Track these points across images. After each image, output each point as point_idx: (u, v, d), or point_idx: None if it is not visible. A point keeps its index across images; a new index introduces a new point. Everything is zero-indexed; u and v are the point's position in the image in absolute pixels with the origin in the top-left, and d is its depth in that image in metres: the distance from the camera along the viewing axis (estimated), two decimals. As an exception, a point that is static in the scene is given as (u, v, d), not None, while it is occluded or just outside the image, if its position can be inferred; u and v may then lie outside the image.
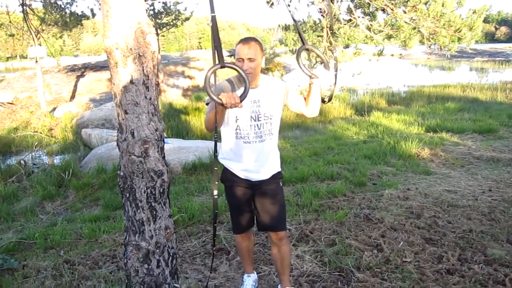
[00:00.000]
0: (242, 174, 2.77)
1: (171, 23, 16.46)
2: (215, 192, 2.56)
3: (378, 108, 12.52)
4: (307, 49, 2.71)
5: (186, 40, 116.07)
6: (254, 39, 2.63)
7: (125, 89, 2.27)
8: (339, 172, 6.03)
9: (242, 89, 2.55)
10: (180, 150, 7.06)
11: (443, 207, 4.61)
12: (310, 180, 5.75)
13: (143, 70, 2.27)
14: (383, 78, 22.47)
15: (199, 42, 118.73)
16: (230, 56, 28.45)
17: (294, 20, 2.78)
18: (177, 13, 16.19)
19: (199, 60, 24.18)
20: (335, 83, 2.74)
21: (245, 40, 2.60)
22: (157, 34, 16.38)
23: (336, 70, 2.67)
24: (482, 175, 5.76)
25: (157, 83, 2.40)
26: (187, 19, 16.84)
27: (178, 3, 16.23)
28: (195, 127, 10.88)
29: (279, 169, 2.86)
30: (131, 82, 2.26)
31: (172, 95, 17.58)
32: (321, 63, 2.53)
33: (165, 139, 7.40)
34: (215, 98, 2.31)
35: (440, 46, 4.00)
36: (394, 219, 4.29)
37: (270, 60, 29.60)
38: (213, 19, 2.30)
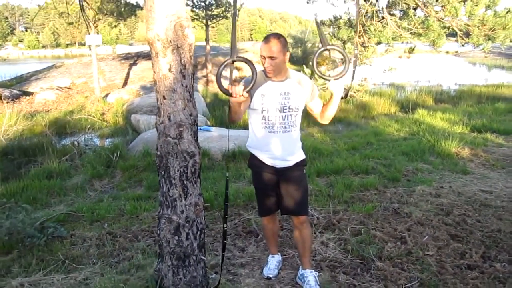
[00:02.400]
0: (268, 161, 2.97)
1: (221, 14, 16.78)
2: (227, 174, 2.94)
3: (424, 106, 12.33)
4: (327, 50, 2.76)
5: (238, 32, 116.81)
6: (276, 37, 2.73)
7: (164, 77, 2.51)
8: (375, 166, 6.10)
9: (266, 82, 2.78)
10: (222, 138, 7.34)
11: (474, 206, 4.61)
12: (344, 173, 5.85)
13: (180, 60, 2.51)
14: (434, 76, 21.85)
15: (251, 34, 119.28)
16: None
17: (317, 23, 2.90)
18: (227, 5, 16.49)
19: (247, 51, 24.50)
20: (352, 79, 2.85)
21: (267, 39, 2.73)
22: (207, 26, 16.79)
23: (354, 67, 2.78)
24: (522, 177, 5.67)
25: (193, 72, 2.64)
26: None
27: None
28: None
29: (303, 157, 3.03)
30: (170, 70, 2.50)
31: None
32: (343, 62, 2.63)
33: (208, 128, 7.72)
34: (223, 89, 2.54)
35: (475, 45, 4.00)
36: (422, 215, 4.35)
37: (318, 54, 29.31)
38: (234, 18, 2.53)
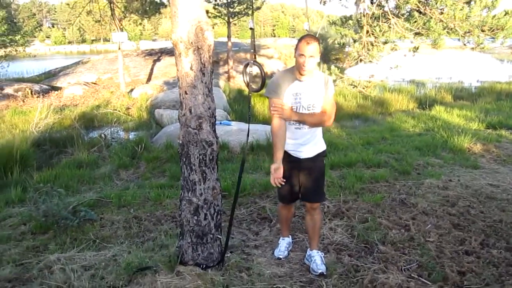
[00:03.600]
0: (293, 153, 3.26)
1: (243, 12, 17.08)
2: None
3: (442, 102, 12.42)
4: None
5: (260, 27, 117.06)
6: (315, 39, 3.04)
7: (186, 74, 2.84)
8: (387, 160, 6.32)
9: (297, 80, 3.08)
10: (240, 132, 7.66)
11: (479, 199, 4.82)
12: (357, 166, 6.10)
13: (200, 60, 2.83)
14: (457, 72, 21.62)
15: (273, 29, 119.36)
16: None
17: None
18: (249, 2, 16.77)
19: (269, 48, 24.71)
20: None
21: (308, 40, 3.00)
22: (229, 23, 17.12)
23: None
24: (531, 173, 5.82)
25: (212, 70, 2.96)
26: (258, 8, 17.40)
27: (252, -9, 16.82)
28: (258, 112, 11.46)
29: (324, 148, 3.35)
30: (191, 69, 2.83)
31: (241, 81, 18.23)
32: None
33: (228, 122, 8.11)
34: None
35: (476, 44, 4.20)
36: (428, 205, 4.59)
37: (340, 50, 29.46)
38: (252, 32, 2.90)
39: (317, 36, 4.08)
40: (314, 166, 3.29)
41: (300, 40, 3.04)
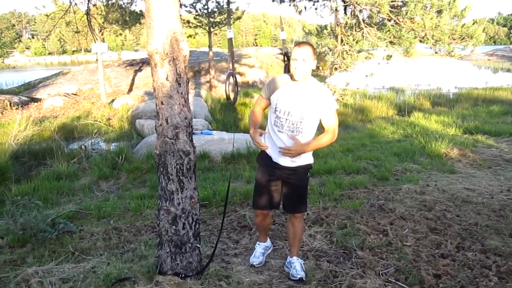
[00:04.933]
0: (274, 158, 3.23)
1: (224, 22, 17.14)
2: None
3: (421, 109, 12.66)
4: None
5: (242, 37, 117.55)
6: (307, 43, 3.09)
7: (162, 85, 2.87)
8: (366, 167, 6.42)
9: (289, 84, 3.11)
10: (221, 141, 7.69)
11: (456, 203, 4.92)
12: (336, 173, 6.18)
13: (176, 70, 2.86)
14: (436, 79, 22.04)
15: (255, 39, 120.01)
16: (280, 53, 28.98)
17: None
18: (229, 12, 16.86)
19: (250, 57, 24.83)
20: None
21: (300, 44, 3.07)
22: (210, 32, 17.18)
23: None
24: (506, 176, 5.96)
25: (187, 80, 2.99)
26: (238, 18, 17.51)
27: (231, 2, 16.91)
28: (240, 121, 11.51)
29: (309, 162, 3.27)
30: (167, 79, 2.86)
31: (222, 91, 18.27)
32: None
33: (209, 131, 8.12)
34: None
35: (447, 52, 4.35)
36: (406, 210, 4.67)
37: (321, 59, 29.72)
38: (229, 41, 2.94)
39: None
40: (296, 178, 3.25)
41: (294, 45, 3.09)
